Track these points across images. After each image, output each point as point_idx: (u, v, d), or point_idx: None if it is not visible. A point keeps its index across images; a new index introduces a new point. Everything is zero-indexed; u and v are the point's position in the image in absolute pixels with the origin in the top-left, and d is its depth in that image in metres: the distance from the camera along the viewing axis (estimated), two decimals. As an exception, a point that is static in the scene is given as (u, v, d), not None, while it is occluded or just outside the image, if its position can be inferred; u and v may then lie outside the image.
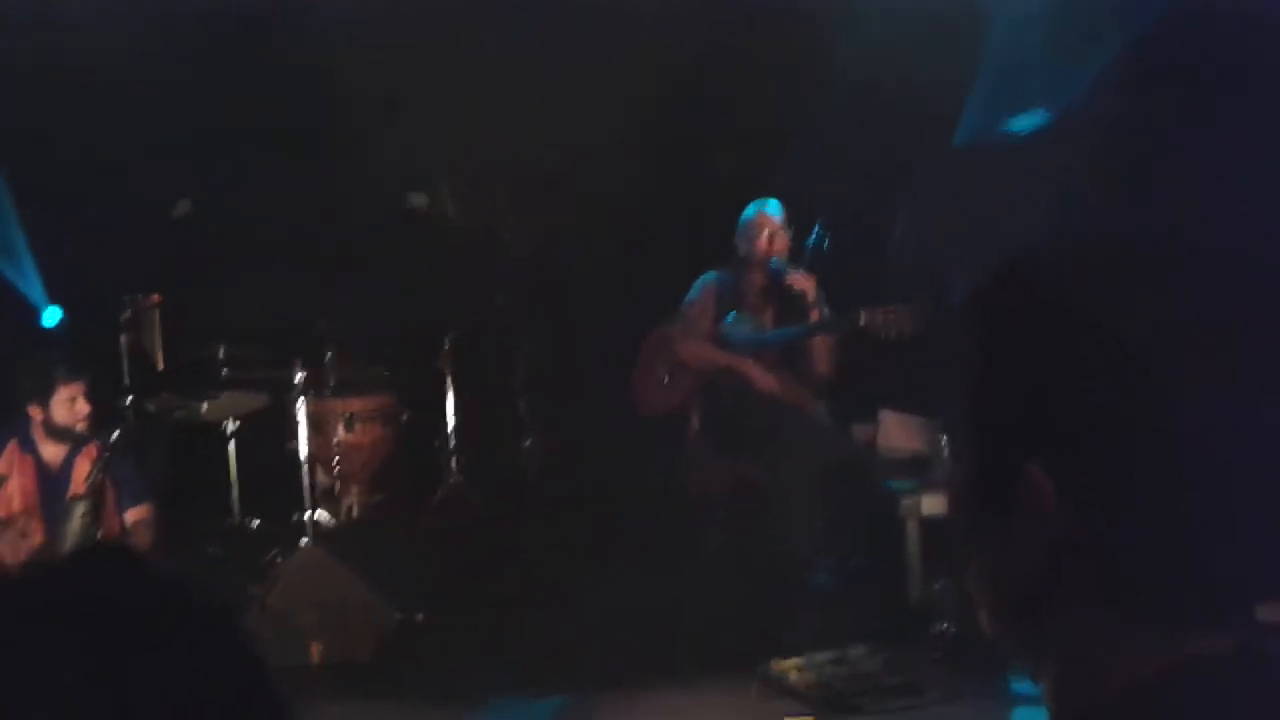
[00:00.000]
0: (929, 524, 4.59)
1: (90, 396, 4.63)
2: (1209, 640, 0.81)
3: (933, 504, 4.60)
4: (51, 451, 4.65)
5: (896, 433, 5.02)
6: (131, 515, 4.68)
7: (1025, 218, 5.05)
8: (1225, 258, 0.84)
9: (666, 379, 5.41)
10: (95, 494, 4.48)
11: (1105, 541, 0.81)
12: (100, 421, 4.72)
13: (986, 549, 0.88)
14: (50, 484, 4.60)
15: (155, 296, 5.63)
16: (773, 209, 5.26)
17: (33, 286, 6.09)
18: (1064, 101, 5.34)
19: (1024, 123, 5.48)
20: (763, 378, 5.10)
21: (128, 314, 5.54)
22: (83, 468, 4.55)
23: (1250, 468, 0.81)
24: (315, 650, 4.45)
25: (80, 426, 4.59)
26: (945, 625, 4.21)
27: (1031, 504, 0.82)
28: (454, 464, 5.76)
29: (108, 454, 4.53)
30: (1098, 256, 0.86)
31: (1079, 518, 0.81)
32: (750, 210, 5.28)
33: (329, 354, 5.84)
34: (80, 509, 4.42)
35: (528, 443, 5.52)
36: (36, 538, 4.52)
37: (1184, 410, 0.80)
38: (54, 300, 6.11)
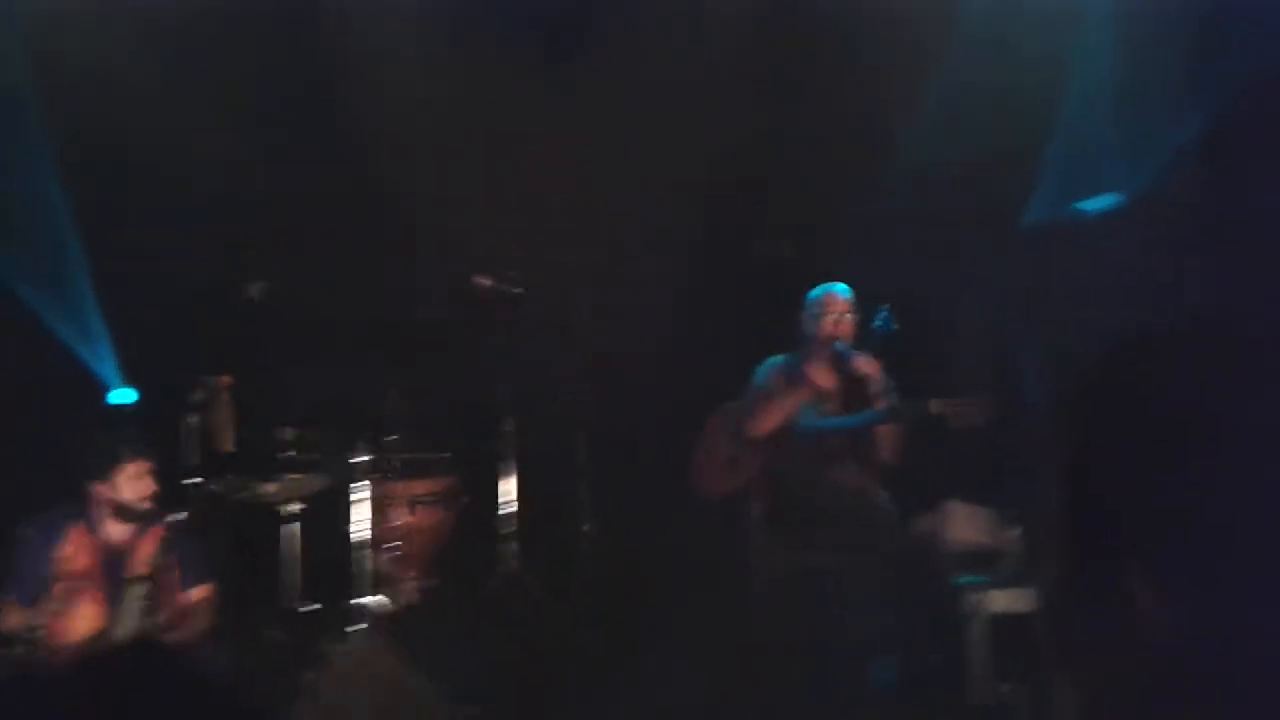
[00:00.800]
0: (997, 621, 4.43)
1: (156, 475, 4.67)
2: None
3: (1001, 600, 4.44)
4: (116, 531, 4.68)
5: (963, 525, 4.87)
6: (192, 596, 4.69)
7: (1096, 303, 4.93)
8: None
9: (731, 462, 5.33)
10: (156, 575, 4.49)
11: (1220, 653, 0.74)
12: (166, 503, 4.76)
13: (1087, 661, 0.80)
14: (112, 564, 4.63)
15: (226, 378, 5.69)
16: (840, 291, 5.21)
17: (106, 367, 6.22)
18: (1136, 183, 5.22)
19: (1096, 204, 5.37)
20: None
21: (199, 395, 5.60)
22: (146, 549, 4.57)
23: None
24: (366, 740, 4.39)
25: (145, 504, 4.62)
26: (1014, 729, 4.03)
27: (1137, 615, 0.76)
28: (512, 550, 5.70)
29: (173, 535, 4.55)
30: (1200, 340, 0.80)
31: (1188, 627, 0.74)
32: (817, 291, 5.24)
33: (392, 435, 5.85)
34: (138, 590, 4.43)
35: (587, 528, 5.45)
36: (97, 617, 4.53)
37: None
38: (127, 381, 6.23)
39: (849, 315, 5.15)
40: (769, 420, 5.16)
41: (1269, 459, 0.75)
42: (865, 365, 5.09)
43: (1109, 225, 5.23)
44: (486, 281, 5.67)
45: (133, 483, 4.61)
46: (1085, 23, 5.48)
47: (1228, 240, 4.30)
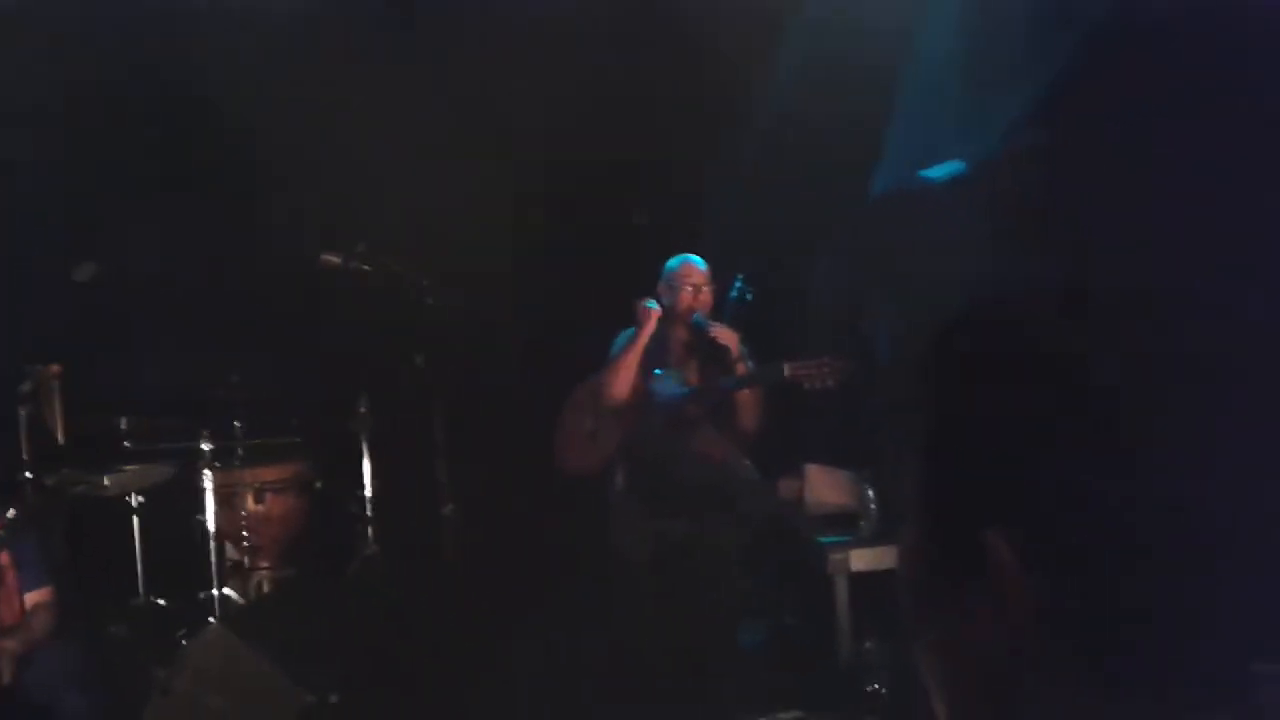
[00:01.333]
0: (858, 580, 4.51)
1: None
2: (1204, 716, 0.72)
3: (862, 559, 4.52)
4: (-56, 533, 4.40)
5: (823, 487, 4.94)
6: (31, 599, 4.44)
7: (942, 266, 5.05)
8: (1179, 302, 0.77)
9: (590, 434, 5.31)
10: (-9, 577, 4.23)
11: (1081, 614, 0.72)
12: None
13: (943, 628, 0.78)
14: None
15: (55, 367, 5.39)
16: (696, 262, 5.23)
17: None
18: (980, 150, 5.37)
19: (940, 171, 5.50)
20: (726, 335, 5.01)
21: (27, 385, 5.30)
22: (-28, 550, 4.30)
23: (1237, 524, 0.73)
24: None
25: None
26: (877, 685, 4.11)
27: (994, 575, 0.73)
28: (370, 534, 5.57)
29: (3, 534, 4.28)
30: (1054, 303, 0.78)
31: (1049, 589, 0.72)
32: (673, 263, 5.25)
33: (237, 421, 5.65)
34: (-31, 593, 4.17)
35: (448, 509, 5.35)
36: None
37: (1157, 466, 0.72)
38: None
39: (706, 285, 5.18)
40: (622, 379, 5.15)
41: (1114, 414, 0.74)
42: (724, 335, 5.11)
43: (953, 191, 5.37)
44: (334, 258, 5.49)
45: None
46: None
47: (1065, 204, 4.45)
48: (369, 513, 5.62)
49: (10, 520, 4.28)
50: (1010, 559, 0.73)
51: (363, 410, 5.70)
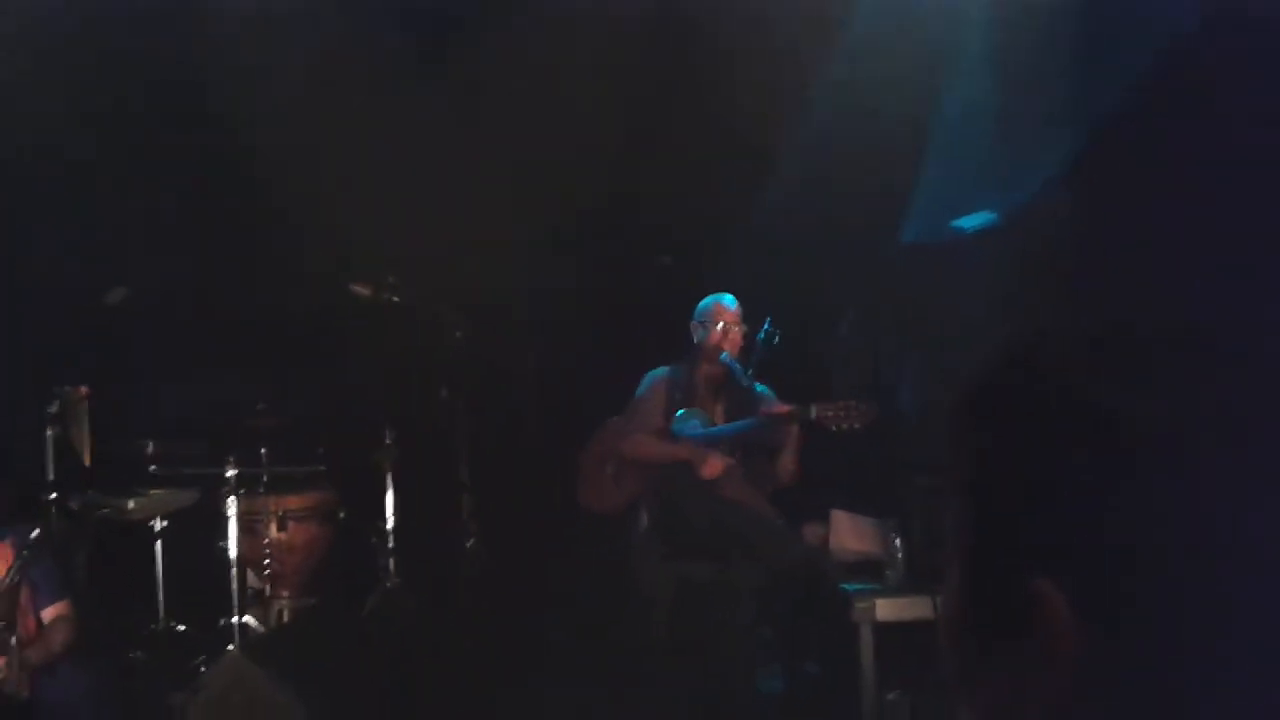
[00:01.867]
0: (883, 630, 4.47)
1: None
2: None
3: (887, 609, 4.48)
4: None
5: (849, 534, 4.92)
6: (48, 614, 4.44)
7: (970, 317, 5.05)
8: (1217, 348, 0.77)
9: (613, 475, 5.30)
10: (9, 595, 4.22)
11: (1132, 668, 0.71)
12: (16, 519, 4.50)
13: (988, 683, 0.77)
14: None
15: (84, 389, 5.42)
16: (728, 302, 5.23)
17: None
18: (1012, 201, 5.38)
19: (971, 222, 5.51)
20: (711, 467, 5.00)
21: (55, 407, 5.32)
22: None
23: None
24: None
25: None
26: (901, 737, 4.07)
27: (1043, 627, 0.72)
28: (391, 565, 5.56)
29: (26, 553, 4.28)
30: (1094, 349, 0.78)
31: (1098, 641, 0.71)
32: (706, 302, 5.26)
33: (263, 449, 5.66)
34: (-12, 610, 4.17)
35: (470, 543, 5.34)
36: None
37: (1202, 508, 0.71)
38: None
39: (737, 326, 5.18)
40: (642, 450, 5.16)
41: (1155, 464, 0.73)
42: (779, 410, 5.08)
43: (984, 242, 5.38)
44: (364, 289, 5.53)
45: None
46: (961, 43, 5.63)
47: (1097, 257, 4.45)
48: (391, 544, 5.62)
49: (33, 541, 4.29)
50: (1062, 609, 0.73)
51: (388, 442, 5.71)
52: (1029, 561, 0.74)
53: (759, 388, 5.19)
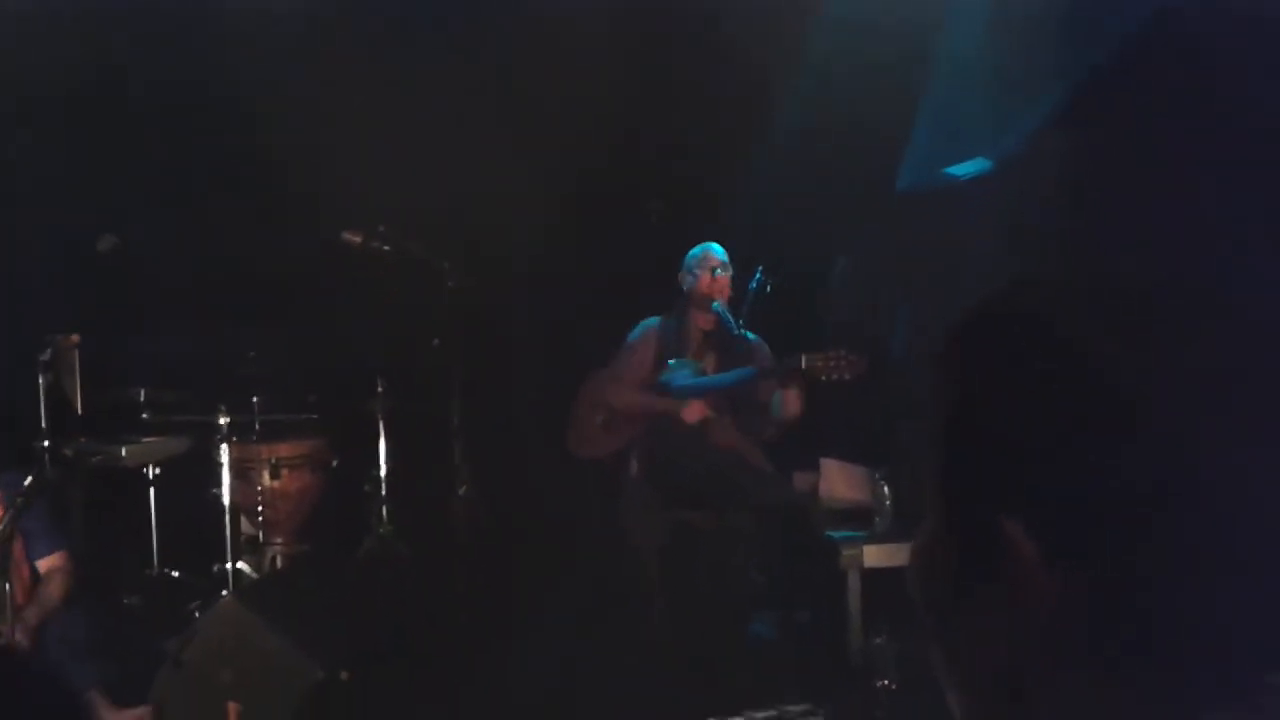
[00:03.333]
0: (870, 576, 4.51)
1: None
2: (1222, 712, 0.72)
3: (875, 555, 4.52)
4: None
5: (838, 482, 4.94)
6: (44, 564, 4.46)
7: (963, 263, 5.04)
8: (1203, 296, 0.77)
9: (603, 423, 5.32)
10: (1, 546, 4.23)
11: (1097, 609, 0.72)
12: (6, 466, 4.51)
13: (958, 621, 0.78)
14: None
15: (74, 337, 5.42)
16: (716, 250, 5.22)
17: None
18: (1005, 148, 5.35)
19: (965, 169, 5.48)
20: (690, 411, 5.01)
21: (46, 354, 5.32)
22: (-12, 516, 4.31)
23: (1261, 524, 0.73)
24: (233, 710, 4.24)
25: None
26: (886, 681, 4.11)
27: (1012, 567, 0.73)
28: (384, 513, 5.58)
29: (20, 501, 4.29)
30: (1075, 295, 0.78)
31: (1066, 582, 0.72)
32: (695, 251, 5.26)
33: (255, 397, 5.66)
34: (-19, 559, 4.18)
35: (462, 490, 5.36)
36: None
37: (1176, 458, 0.72)
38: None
39: (725, 273, 5.17)
40: (626, 404, 5.17)
41: (1141, 411, 0.73)
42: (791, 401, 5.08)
43: (977, 189, 5.35)
44: (355, 237, 5.50)
45: None
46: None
47: (1090, 205, 4.43)
48: (384, 492, 5.64)
49: (26, 488, 4.29)
50: (1030, 551, 0.73)
51: (380, 390, 5.72)
52: (998, 504, 0.75)
53: (750, 336, 5.19)
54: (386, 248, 5.50)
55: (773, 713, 3.83)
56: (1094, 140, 4.62)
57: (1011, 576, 0.74)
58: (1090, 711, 0.74)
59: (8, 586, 4.17)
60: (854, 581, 4.51)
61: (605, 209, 6.23)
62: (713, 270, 5.15)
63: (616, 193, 6.26)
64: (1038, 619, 0.74)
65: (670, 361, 5.24)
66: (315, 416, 5.77)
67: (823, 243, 5.81)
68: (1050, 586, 0.73)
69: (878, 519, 4.62)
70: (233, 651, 4.32)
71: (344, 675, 4.45)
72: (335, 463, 5.81)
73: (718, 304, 5.13)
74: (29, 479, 4.34)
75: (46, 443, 5.20)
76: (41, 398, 5.22)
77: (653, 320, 5.36)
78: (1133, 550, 0.73)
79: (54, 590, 4.41)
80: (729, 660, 4.63)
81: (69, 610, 4.42)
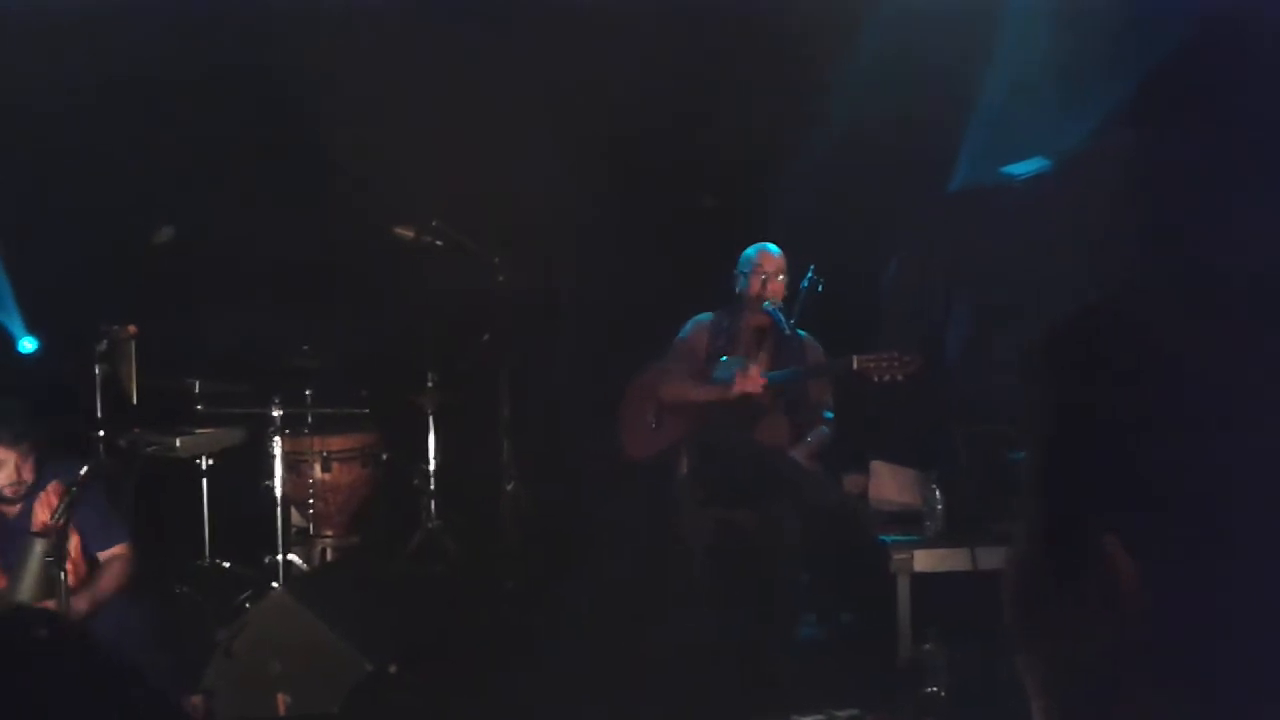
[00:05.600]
0: (921, 581, 4.45)
1: (29, 457, 4.42)
2: None
3: (925, 560, 4.46)
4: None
5: (888, 484, 4.89)
6: (105, 555, 4.51)
7: (1020, 264, 4.96)
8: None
9: (654, 423, 5.30)
10: (58, 532, 4.27)
11: (1190, 623, 0.69)
12: (64, 457, 4.57)
13: (1048, 629, 0.76)
14: (6, 525, 4.44)
15: (131, 328, 5.49)
16: (772, 250, 5.18)
17: (11, 317, 5.98)
18: (1063, 148, 5.26)
19: (1023, 168, 5.40)
20: (744, 382, 4.96)
21: (104, 345, 5.40)
22: (44, 505, 4.36)
23: None
24: (281, 701, 4.28)
25: (9, 491, 4.39)
26: (935, 688, 4.06)
27: (1108, 580, 0.71)
28: (433, 507, 5.61)
29: (74, 490, 4.33)
30: (1173, 304, 0.76)
31: (1160, 596, 0.70)
32: (750, 251, 5.22)
33: (308, 390, 5.71)
34: (40, 549, 4.24)
35: (510, 486, 5.37)
36: (-4, 580, 4.35)
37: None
38: (31, 330, 6.00)
39: (781, 274, 5.13)
40: (680, 395, 5.14)
41: (1220, 413, 0.71)
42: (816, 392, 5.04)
43: (1035, 188, 5.27)
44: (407, 231, 5.53)
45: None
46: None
47: (1154, 203, 4.34)
48: (432, 486, 5.66)
49: (82, 477, 4.34)
50: (1129, 565, 0.71)
51: (430, 385, 5.74)
52: (1098, 513, 0.73)
53: (802, 334, 5.15)
54: (438, 242, 5.53)
55: (820, 717, 3.80)
56: (1159, 139, 4.53)
57: (1110, 593, 0.73)
58: None
59: (63, 575, 4.21)
60: (904, 586, 4.46)
61: (657, 204, 6.22)
62: (765, 275, 5.11)
63: (668, 188, 6.25)
64: (1127, 631, 0.72)
65: (721, 359, 5.21)
66: (366, 410, 5.82)
67: (876, 242, 5.74)
68: (1148, 604, 0.71)
69: (929, 523, 4.57)
70: (283, 643, 4.36)
71: (392, 668, 4.48)
72: (385, 456, 5.84)
73: (769, 304, 5.09)
74: (84, 468, 4.38)
75: (102, 433, 5.28)
76: (97, 388, 5.30)
77: (704, 316, 5.33)
78: (1232, 567, 0.71)
79: (111, 578, 4.45)
80: (775, 662, 4.60)
81: (121, 599, 4.46)
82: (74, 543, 4.44)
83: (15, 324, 6.00)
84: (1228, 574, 0.71)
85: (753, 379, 4.95)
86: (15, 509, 4.45)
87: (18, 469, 4.41)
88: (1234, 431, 0.71)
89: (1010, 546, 0.82)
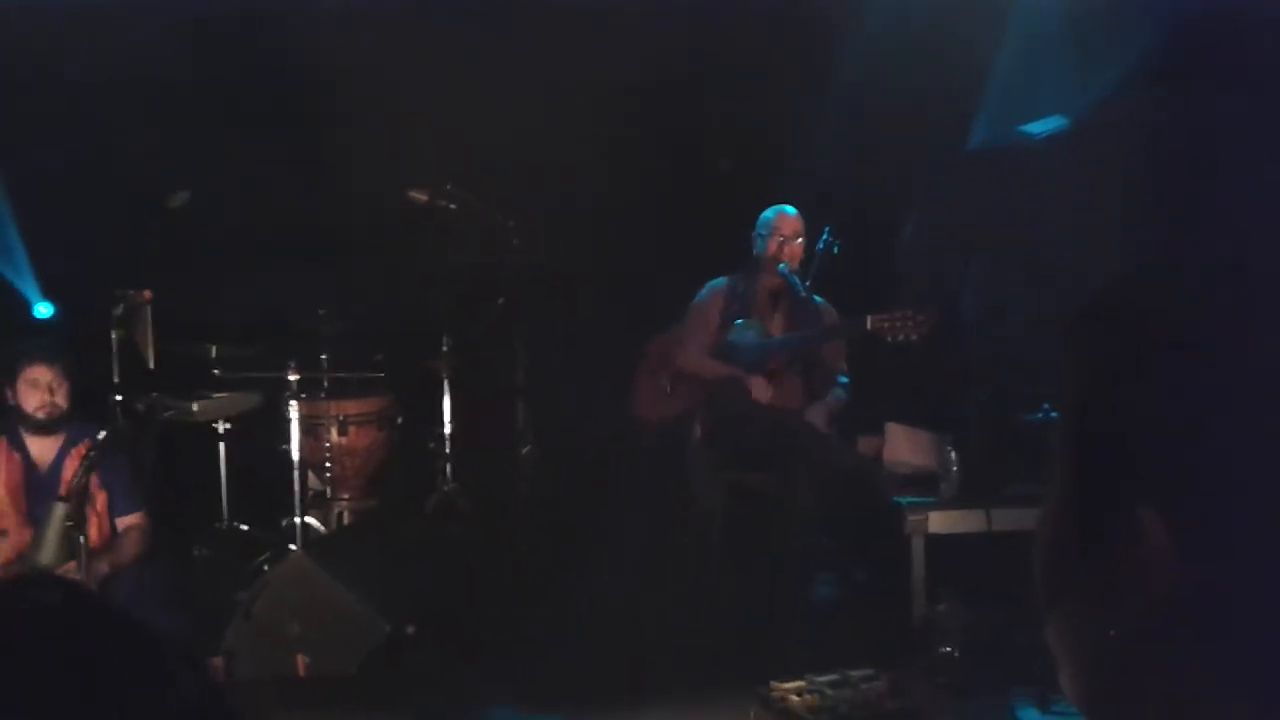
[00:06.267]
0: (935, 542, 4.46)
1: (64, 383, 4.49)
2: None
3: (940, 521, 4.47)
4: (40, 449, 4.53)
5: (904, 447, 4.89)
6: (122, 523, 4.55)
7: (1038, 224, 4.93)
8: None
9: (669, 387, 5.30)
10: (78, 496, 4.32)
11: (1220, 601, 0.69)
12: (85, 418, 4.61)
13: (1079, 598, 0.76)
14: (38, 483, 4.48)
15: (147, 293, 5.50)
16: (790, 212, 5.15)
17: (26, 282, 6.01)
18: (1082, 106, 5.20)
19: (1041, 126, 5.35)
20: (761, 390, 4.98)
21: (119, 310, 5.41)
22: (71, 468, 4.40)
23: None
24: (301, 662, 4.32)
25: (42, 414, 4.44)
26: (950, 649, 4.08)
27: (1142, 553, 0.71)
28: (448, 470, 5.63)
29: (93, 454, 4.36)
30: (1215, 278, 0.75)
31: (1193, 572, 0.70)
32: (768, 213, 5.19)
33: (324, 354, 5.72)
34: (62, 512, 4.27)
35: (525, 449, 5.39)
36: (21, 539, 4.40)
37: None
38: (47, 296, 6.03)
39: (799, 237, 5.11)
40: (694, 368, 5.14)
41: (1242, 375, 0.70)
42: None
43: (1053, 147, 5.22)
44: (421, 195, 5.52)
45: (30, 388, 4.44)
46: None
47: (1176, 162, 4.30)
48: (448, 450, 5.68)
49: (100, 441, 4.37)
50: (1165, 540, 0.71)
51: (444, 349, 5.75)
52: (1137, 489, 0.73)
53: (816, 299, 5.14)
54: (452, 205, 5.52)
55: (835, 676, 3.81)
56: (1181, 96, 4.48)
57: (1142, 564, 0.72)
58: (1204, 699, 0.72)
59: (83, 539, 4.25)
60: (918, 547, 4.47)
61: (672, 167, 6.19)
62: (783, 237, 5.09)
63: (683, 151, 6.21)
64: (1158, 605, 0.72)
65: (736, 321, 5.20)
66: (382, 374, 5.83)
67: (893, 203, 5.71)
68: (1180, 576, 0.71)
69: (944, 485, 4.57)
70: (301, 605, 4.40)
71: (409, 629, 4.52)
72: (400, 420, 5.86)
73: (784, 266, 5.07)
74: (102, 433, 4.42)
75: (119, 397, 5.30)
76: (114, 353, 5.32)
77: (720, 281, 5.32)
78: (1263, 547, 0.70)
79: (129, 547, 4.50)
80: (790, 623, 4.62)
81: (140, 562, 4.50)
82: (100, 502, 4.49)
83: (31, 289, 6.02)
84: (1269, 552, 0.71)
85: (760, 388, 4.96)
86: (48, 462, 4.49)
87: (51, 390, 4.46)
88: (1246, 393, 0.71)
89: (1042, 514, 0.81)
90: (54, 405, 4.47)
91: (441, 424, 5.71)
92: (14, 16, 5.53)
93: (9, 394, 4.48)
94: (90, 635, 0.70)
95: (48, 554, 4.30)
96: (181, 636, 4.42)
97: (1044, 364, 4.21)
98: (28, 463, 4.50)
